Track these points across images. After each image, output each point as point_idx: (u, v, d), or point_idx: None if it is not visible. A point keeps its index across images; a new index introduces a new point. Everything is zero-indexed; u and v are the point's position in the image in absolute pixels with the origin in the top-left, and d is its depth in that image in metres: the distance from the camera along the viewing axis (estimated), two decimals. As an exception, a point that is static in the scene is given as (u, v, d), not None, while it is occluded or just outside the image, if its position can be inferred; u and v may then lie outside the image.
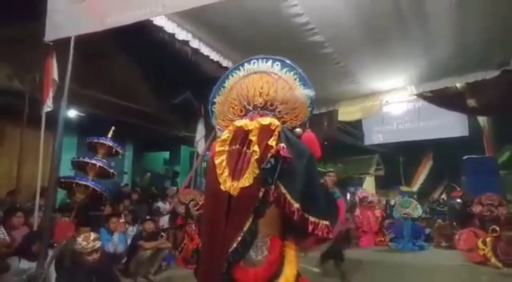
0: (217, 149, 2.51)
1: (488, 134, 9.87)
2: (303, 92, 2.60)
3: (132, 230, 6.65)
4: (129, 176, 11.47)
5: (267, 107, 2.61)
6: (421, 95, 8.01)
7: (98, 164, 4.37)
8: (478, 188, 8.58)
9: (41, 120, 4.75)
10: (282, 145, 2.32)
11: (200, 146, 8.75)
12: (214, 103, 2.83)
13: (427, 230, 10.22)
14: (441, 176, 15.61)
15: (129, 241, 6.06)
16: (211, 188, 2.51)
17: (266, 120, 2.46)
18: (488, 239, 6.73)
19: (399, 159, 16.74)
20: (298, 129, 2.59)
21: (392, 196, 15.27)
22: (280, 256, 2.27)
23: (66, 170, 4.80)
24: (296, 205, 2.26)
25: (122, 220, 5.97)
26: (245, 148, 2.43)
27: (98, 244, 3.57)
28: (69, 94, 4.30)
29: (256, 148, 2.33)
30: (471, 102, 7.40)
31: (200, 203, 6.79)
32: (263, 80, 2.64)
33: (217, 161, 2.46)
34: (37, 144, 4.88)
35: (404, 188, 15.83)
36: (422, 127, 10.02)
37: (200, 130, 8.77)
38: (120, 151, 4.65)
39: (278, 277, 2.22)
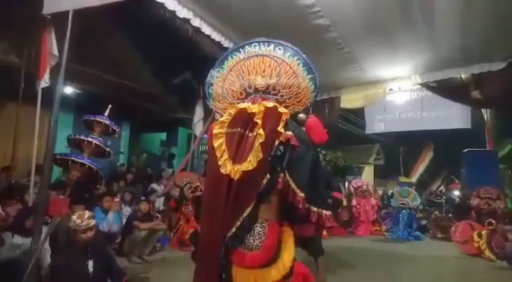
0: (216, 131, 2.44)
1: (490, 128, 9.80)
2: (307, 78, 2.53)
3: (127, 211, 6.64)
4: (125, 156, 11.42)
5: (269, 91, 2.55)
6: (425, 85, 7.91)
7: (95, 142, 4.29)
8: (477, 181, 8.55)
9: (37, 96, 4.67)
10: (290, 133, 2.27)
11: (198, 128, 8.69)
12: (211, 84, 2.74)
13: (424, 221, 10.25)
14: (440, 168, 15.61)
15: (124, 221, 6.05)
16: (211, 171, 2.45)
17: (270, 103, 2.41)
18: (483, 232, 6.74)
19: (399, 149, 16.71)
20: (301, 115, 2.53)
21: (391, 186, 15.30)
22: (277, 241, 2.27)
23: (62, 147, 4.72)
24: (301, 194, 2.27)
25: (117, 200, 5.94)
26: (247, 131, 2.36)
27: (92, 222, 3.53)
28: (66, 70, 4.21)
29: (261, 131, 2.27)
30: (476, 94, 7.31)
31: (195, 185, 6.77)
32: (265, 63, 2.57)
33: (215, 144, 2.39)
34: (33, 120, 4.81)
35: (402, 179, 15.84)
36: (425, 117, 9.92)
37: (199, 112, 8.69)
38: (117, 130, 4.57)
39: (275, 262, 2.22)
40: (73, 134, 4.49)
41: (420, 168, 16.82)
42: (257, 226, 2.24)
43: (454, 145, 10.74)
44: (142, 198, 6.57)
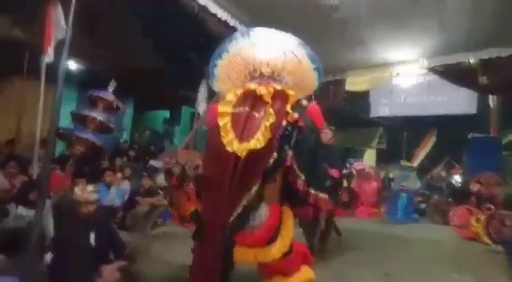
0: (221, 110, 2.45)
1: (495, 114, 9.71)
2: (311, 67, 2.60)
3: (128, 186, 6.72)
4: (128, 132, 11.48)
5: (274, 78, 2.59)
6: (433, 69, 7.83)
7: (99, 117, 4.35)
8: (479, 167, 8.54)
9: (41, 71, 4.68)
10: (296, 115, 2.31)
11: (201, 107, 8.67)
12: (215, 65, 2.76)
13: (423, 205, 10.32)
14: (442, 153, 15.50)
15: (126, 197, 6.14)
16: (214, 150, 2.45)
17: (279, 86, 2.46)
18: (482, 217, 6.79)
19: (402, 133, 16.59)
20: (304, 101, 2.57)
21: (392, 170, 15.28)
22: (278, 221, 2.32)
23: (66, 122, 4.77)
24: (302, 177, 2.34)
25: (119, 175, 6.02)
26: (254, 111, 2.39)
27: (95, 196, 3.60)
28: (70, 46, 4.19)
29: (271, 111, 2.31)
30: (483, 79, 7.23)
31: (196, 163, 6.82)
32: (271, 50, 2.61)
33: (221, 122, 2.40)
34: (37, 95, 4.83)
35: (404, 163, 15.79)
36: (430, 102, 9.83)
37: (203, 91, 8.66)
38: (121, 106, 4.62)
39: (275, 240, 2.28)
40: (77, 110, 4.54)
41: (422, 153, 16.72)
42: (260, 206, 2.29)
43: (457, 131, 10.65)
44: (144, 174, 6.64)
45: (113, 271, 3.40)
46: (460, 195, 8.96)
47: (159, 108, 13.38)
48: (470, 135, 9.90)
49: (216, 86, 2.83)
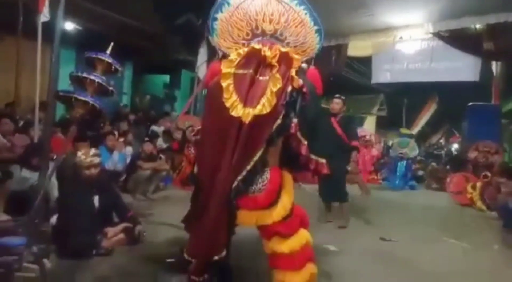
0: (224, 70, 2.35)
1: (498, 82, 9.61)
2: (313, 29, 2.52)
3: (129, 150, 6.75)
4: (128, 96, 11.38)
5: (276, 36, 2.51)
6: (437, 34, 7.66)
7: (97, 80, 4.24)
8: (478, 135, 8.58)
9: (37, 31, 4.54)
10: (301, 80, 2.26)
11: (202, 70, 8.51)
12: (215, 19, 2.62)
13: (421, 172, 10.46)
14: (442, 120, 15.53)
15: (127, 161, 6.19)
16: (216, 112, 2.37)
17: (284, 48, 2.38)
18: (478, 184, 6.91)
19: (403, 100, 16.50)
20: (304, 65, 2.50)
21: (391, 137, 15.36)
22: (279, 186, 2.32)
23: (64, 84, 4.69)
24: (305, 142, 2.34)
25: (121, 140, 6.03)
26: (258, 74, 2.32)
27: (97, 159, 3.61)
28: (67, 5, 4.04)
29: (278, 75, 2.25)
30: (488, 45, 7.10)
31: (197, 128, 6.82)
32: (273, 7, 2.49)
33: (223, 84, 2.31)
34: (34, 55, 4.72)
35: (403, 130, 15.84)
36: (433, 68, 9.67)
37: (202, 54, 8.47)
38: (119, 69, 4.47)
39: (276, 204, 2.29)
40: (76, 72, 4.44)
41: (423, 120, 16.72)
42: (264, 171, 2.28)
43: (459, 98, 10.58)
44: (146, 139, 6.65)
45: (118, 233, 3.47)
46: (458, 162, 9.08)
47: (159, 72, 13.18)
48: (470, 103, 9.85)
49: (216, 42, 2.72)
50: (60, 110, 6.18)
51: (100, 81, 4.25)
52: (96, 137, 6.01)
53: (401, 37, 8.28)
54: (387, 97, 16.59)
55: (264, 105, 2.20)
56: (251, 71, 2.32)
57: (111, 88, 4.39)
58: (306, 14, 2.50)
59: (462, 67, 9.34)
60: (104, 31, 7.58)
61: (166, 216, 4.58)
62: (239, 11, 2.55)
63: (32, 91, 5.04)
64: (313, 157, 2.50)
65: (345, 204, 4.87)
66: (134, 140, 7.10)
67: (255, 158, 2.22)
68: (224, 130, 2.28)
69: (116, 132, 6.52)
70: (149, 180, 5.90)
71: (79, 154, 3.57)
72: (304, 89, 2.28)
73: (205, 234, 2.34)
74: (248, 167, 2.21)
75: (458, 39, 7.53)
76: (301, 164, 2.52)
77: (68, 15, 4.32)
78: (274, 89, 2.21)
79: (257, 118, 2.20)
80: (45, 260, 2.86)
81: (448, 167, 10.15)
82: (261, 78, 2.31)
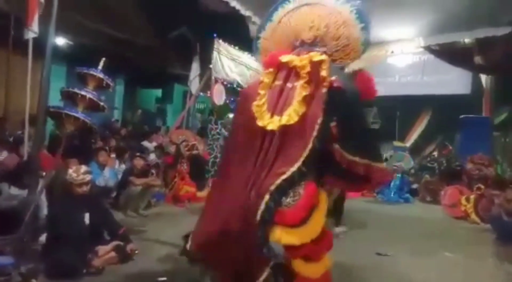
0: (265, 79, 2.39)
1: (489, 94, 9.73)
2: (357, 27, 2.43)
3: (121, 166, 6.65)
4: (119, 111, 11.30)
5: (316, 44, 2.47)
6: (428, 48, 7.76)
7: (88, 95, 4.20)
8: (470, 147, 8.64)
9: (28, 46, 4.49)
10: (334, 77, 2.21)
11: (194, 85, 8.50)
12: (259, 38, 2.69)
13: (415, 185, 10.44)
14: (435, 133, 15.58)
15: (119, 177, 6.07)
16: (245, 123, 2.40)
17: (316, 56, 2.31)
18: (472, 196, 6.90)
19: (396, 113, 16.59)
20: (355, 67, 2.47)
21: (385, 150, 15.35)
22: (312, 203, 2.12)
23: (55, 100, 4.63)
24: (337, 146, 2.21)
25: (113, 155, 5.94)
26: (287, 84, 2.33)
27: (88, 177, 3.55)
28: (58, 20, 4.02)
29: (304, 84, 2.24)
30: (478, 59, 7.20)
31: (191, 144, 6.81)
32: (314, 13, 2.49)
33: (261, 92, 2.35)
34: (24, 70, 4.65)
35: (397, 143, 15.88)
36: (425, 82, 9.81)
37: (195, 69, 8.48)
38: (111, 84, 4.47)
39: (306, 223, 2.08)
40: (67, 87, 4.38)
41: (416, 133, 16.80)
42: (300, 184, 2.12)
43: (451, 111, 10.67)
44: (137, 154, 6.57)
45: (109, 251, 3.38)
46: (451, 175, 9.08)
47: (151, 86, 13.15)
48: (461, 116, 9.95)
49: (260, 61, 2.75)
50: (50, 125, 6.09)
51: (91, 96, 4.22)
52: (87, 153, 5.92)
53: (392, 51, 8.37)
54: (380, 111, 16.67)
55: (290, 115, 2.18)
56: (281, 82, 2.35)
57: (102, 103, 4.35)
58: (351, 12, 2.45)
59: (453, 80, 9.48)
60: (95, 46, 7.56)
61: (159, 233, 4.48)
62: (281, 25, 2.59)
63: (22, 106, 4.95)
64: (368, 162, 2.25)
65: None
66: (124, 156, 6.99)
67: (293, 169, 2.09)
68: (251, 141, 2.29)
69: (107, 148, 6.43)
70: (140, 196, 5.78)
71: (70, 171, 3.50)
72: (335, 84, 2.18)
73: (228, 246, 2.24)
74: (284, 176, 2.08)
75: (449, 53, 7.64)
76: (347, 172, 2.27)
77: (59, 30, 4.28)
78: (300, 98, 2.19)
79: (288, 128, 2.18)
80: (34, 281, 2.77)
81: (441, 179, 10.14)
82: (289, 87, 2.31)
